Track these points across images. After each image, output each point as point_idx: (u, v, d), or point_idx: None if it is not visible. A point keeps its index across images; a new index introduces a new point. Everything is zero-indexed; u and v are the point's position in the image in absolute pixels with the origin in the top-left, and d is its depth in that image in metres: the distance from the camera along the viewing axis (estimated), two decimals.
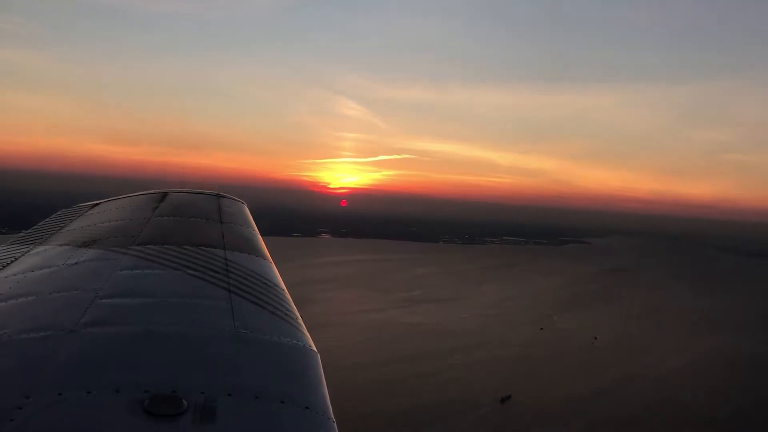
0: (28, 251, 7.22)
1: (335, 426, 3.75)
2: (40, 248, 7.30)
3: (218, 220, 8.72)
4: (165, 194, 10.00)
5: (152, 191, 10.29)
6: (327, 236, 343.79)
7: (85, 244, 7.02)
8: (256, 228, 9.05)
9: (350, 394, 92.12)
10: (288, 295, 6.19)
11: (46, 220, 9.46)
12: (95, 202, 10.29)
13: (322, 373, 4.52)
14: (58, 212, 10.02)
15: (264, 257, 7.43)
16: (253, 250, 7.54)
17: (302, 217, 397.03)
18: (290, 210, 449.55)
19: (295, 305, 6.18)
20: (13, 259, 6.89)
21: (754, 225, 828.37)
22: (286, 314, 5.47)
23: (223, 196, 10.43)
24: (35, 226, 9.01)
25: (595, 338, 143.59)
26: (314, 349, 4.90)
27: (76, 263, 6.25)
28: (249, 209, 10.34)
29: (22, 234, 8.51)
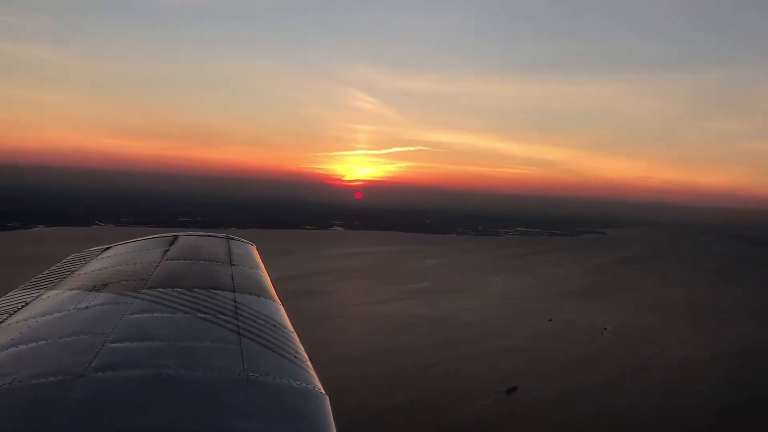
0: (39, 296, 7.30)
1: None
2: (51, 293, 7.40)
3: (228, 262, 8.92)
4: (175, 237, 10.24)
5: (162, 235, 10.55)
6: (339, 228, 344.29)
7: (96, 289, 7.15)
8: (264, 269, 9.28)
9: (354, 386, 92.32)
10: (296, 337, 6.28)
11: (57, 264, 9.61)
12: (105, 246, 10.51)
13: (331, 417, 4.54)
14: (69, 257, 10.16)
15: (272, 299, 7.57)
16: (262, 292, 7.72)
17: (315, 210, 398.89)
18: (303, 203, 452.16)
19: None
20: (24, 303, 6.97)
21: None
22: (294, 357, 5.55)
23: (233, 239, 10.70)
24: (46, 271, 9.11)
25: (605, 329, 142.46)
26: (323, 392, 4.95)
27: (86, 308, 6.34)
28: (257, 250, 10.56)
29: (33, 279, 8.57)
